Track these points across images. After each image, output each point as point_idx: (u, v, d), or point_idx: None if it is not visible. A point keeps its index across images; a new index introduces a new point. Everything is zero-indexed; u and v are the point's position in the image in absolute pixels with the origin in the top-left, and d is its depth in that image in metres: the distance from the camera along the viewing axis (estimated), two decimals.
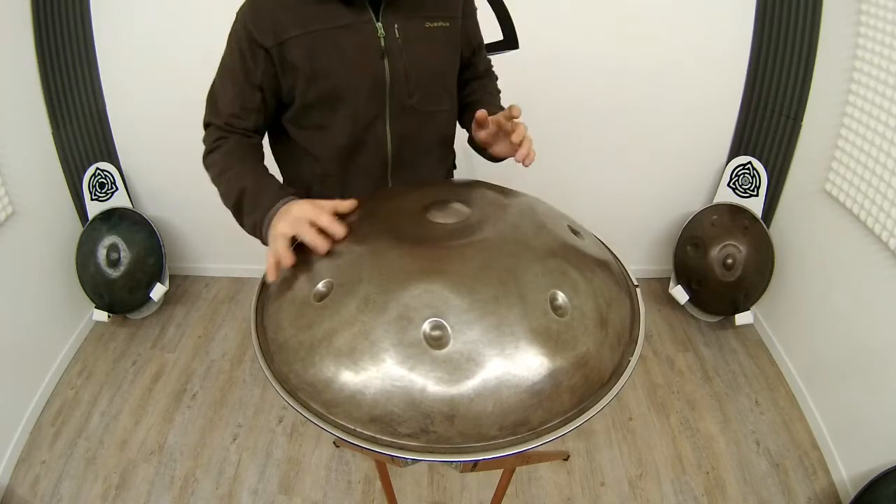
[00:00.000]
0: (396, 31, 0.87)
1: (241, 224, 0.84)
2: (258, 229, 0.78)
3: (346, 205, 0.72)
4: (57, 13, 1.81)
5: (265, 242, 0.76)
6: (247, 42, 0.83)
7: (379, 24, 0.85)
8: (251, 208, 0.80)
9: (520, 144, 0.81)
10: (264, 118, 0.91)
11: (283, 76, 0.86)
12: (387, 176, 0.97)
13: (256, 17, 0.83)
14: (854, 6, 1.53)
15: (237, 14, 0.85)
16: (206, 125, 0.92)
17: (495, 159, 0.94)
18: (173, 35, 1.83)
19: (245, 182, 0.82)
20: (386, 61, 0.87)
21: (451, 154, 1.10)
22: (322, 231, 0.66)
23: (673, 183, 2.11)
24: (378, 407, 0.50)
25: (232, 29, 0.86)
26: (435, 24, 0.90)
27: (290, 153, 0.99)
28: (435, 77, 0.94)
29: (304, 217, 0.68)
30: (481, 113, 0.86)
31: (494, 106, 1.01)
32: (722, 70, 1.86)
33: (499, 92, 1.10)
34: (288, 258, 0.67)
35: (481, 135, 0.90)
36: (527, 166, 0.81)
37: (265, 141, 0.98)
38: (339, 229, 0.66)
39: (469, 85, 1.07)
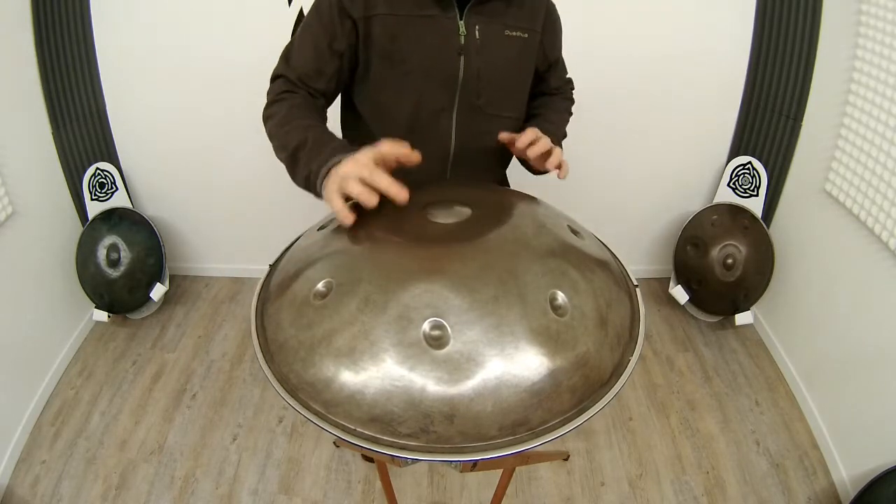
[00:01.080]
0: (477, 32, 0.89)
1: (294, 175, 0.80)
2: (311, 182, 0.75)
3: (413, 155, 0.70)
4: (57, 13, 1.81)
5: (319, 194, 0.74)
6: (337, 9, 0.84)
7: (461, 23, 0.88)
8: (308, 159, 0.76)
9: (558, 166, 0.87)
10: (336, 86, 0.92)
11: (362, 50, 0.88)
12: (446, 169, 0.99)
13: None
14: (854, 6, 1.53)
15: None
16: (276, 77, 0.91)
17: (535, 172, 0.96)
18: (173, 35, 1.83)
19: (307, 134, 0.79)
20: (462, 59, 0.89)
21: (510, 159, 1.11)
22: (369, 185, 0.65)
23: (673, 183, 2.11)
24: (378, 407, 0.50)
25: None
26: (514, 34, 0.92)
27: (355, 128, 1.00)
28: (505, 83, 0.96)
29: (350, 174, 0.67)
30: (504, 136, 0.91)
31: (550, 123, 1.02)
32: (722, 70, 1.86)
33: (566, 111, 1.11)
34: (347, 217, 0.65)
35: (518, 147, 0.91)
36: (561, 178, 0.87)
37: (331, 112, 0.98)
38: (383, 181, 0.64)
39: (538, 98, 1.08)
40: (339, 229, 0.70)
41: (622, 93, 1.91)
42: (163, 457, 1.65)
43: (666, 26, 1.79)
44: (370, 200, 0.64)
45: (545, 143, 0.85)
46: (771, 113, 1.88)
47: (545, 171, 0.92)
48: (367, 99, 0.94)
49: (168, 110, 1.96)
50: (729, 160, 2.01)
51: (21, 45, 1.81)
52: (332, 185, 0.68)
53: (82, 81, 1.92)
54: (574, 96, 1.17)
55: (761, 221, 1.93)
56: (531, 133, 0.86)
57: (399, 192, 0.65)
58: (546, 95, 1.10)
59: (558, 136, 1.00)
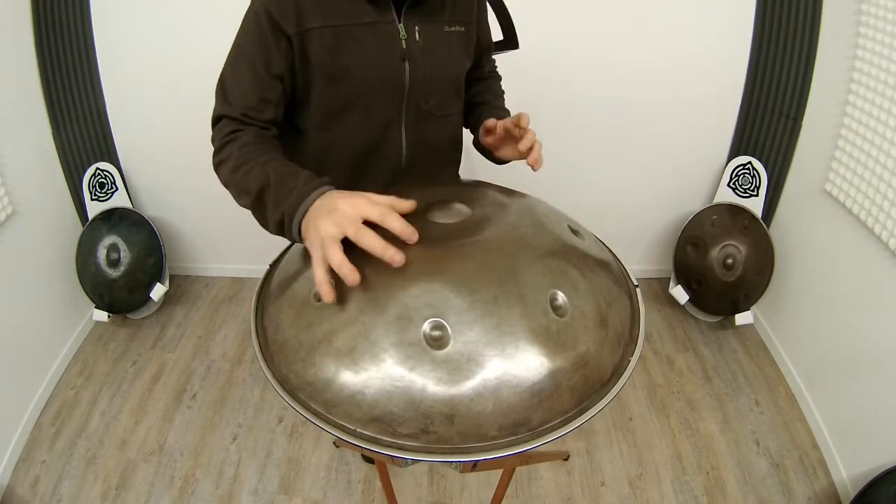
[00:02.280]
0: (417, 33, 0.85)
1: (264, 222, 0.70)
2: (288, 224, 0.64)
3: (406, 205, 0.60)
4: (57, 13, 1.81)
5: (295, 240, 0.64)
6: (269, 27, 0.77)
7: (401, 26, 0.84)
8: (278, 199, 0.65)
9: (528, 150, 0.81)
10: (282, 111, 0.84)
11: (300, 70, 0.81)
12: (398, 177, 0.96)
13: (279, 3, 0.77)
14: (854, 6, 1.53)
15: (253, 2, 0.80)
16: (218, 119, 0.82)
17: (500, 162, 0.94)
18: (173, 35, 1.83)
19: (268, 171, 0.69)
20: (407, 64, 0.85)
21: (460, 155, 1.09)
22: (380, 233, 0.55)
23: (673, 183, 2.11)
24: (378, 407, 0.50)
25: (249, 14, 0.80)
26: (453, 29, 0.89)
27: (297, 154, 0.91)
28: (450, 82, 0.93)
29: (357, 214, 0.56)
30: (490, 122, 0.87)
31: (500, 108, 1.01)
32: (722, 70, 1.86)
33: (503, 93, 1.10)
34: (352, 273, 0.53)
35: (488, 139, 0.90)
36: (535, 171, 0.82)
37: None
38: (411, 232, 0.56)
39: (474, 85, 1.06)
40: None
41: (622, 93, 1.91)
42: (163, 457, 1.65)
43: (666, 26, 1.79)
44: (396, 259, 0.53)
45: (531, 135, 0.82)
46: (771, 113, 1.88)
47: (508, 162, 0.91)
48: (311, 119, 0.88)
49: (168, 110, 1.96)
50: (729, 160, 2.01)
51: (21, 46, 1.81)
52: (327, 227, 0.56)
53: (82, 81, 1.92)
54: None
55: (761, 221, 1.93)
56: (532, 134, 0.82)
57: (411, 236, 0.56)
58: (482, 80, 1.07)
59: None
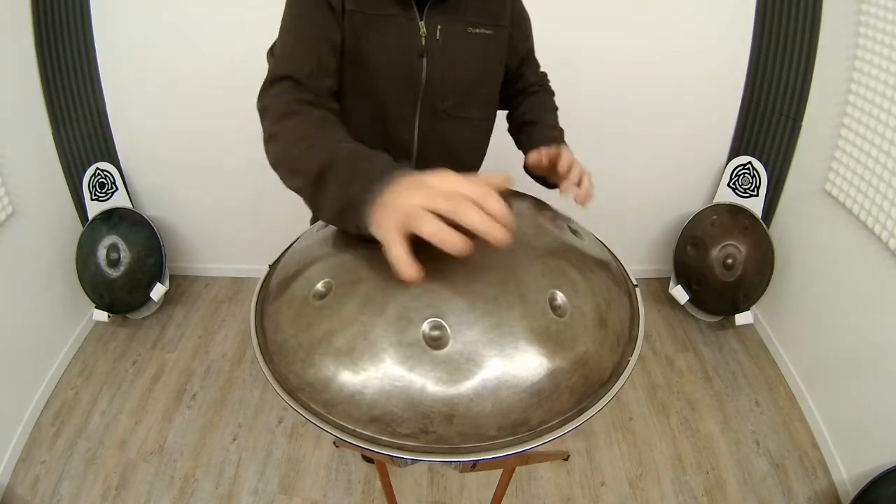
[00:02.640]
0: (438, 32, 0.85)
1: (319, 206, 0.61)
2: (348, 213, 0.55)
3: (500, 179, 0.52)
4: (57, 13, 1.81)
5: (357, 225, 0.54)
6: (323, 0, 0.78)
7: (422, 23, 0.84)
8: (347, 180, 0.57)
9: (577, 184, 0.78)
10: (337, 83, 0.82)
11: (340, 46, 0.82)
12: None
13: None
14: (854, 6, 1.53)
15: None
16: (276, 79, 0.75)
17: (554, 186, 0.89)
18: (173, 35, 1.83)
19: (336, 150, 0.61)
20: (424, 61, 0.86)
21: (480, 163, 1.07)
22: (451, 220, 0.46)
23: (673, 183, 2.11)
24: (377, 407, 0.50)
25: None
26: (478, 31, 0.88)
27: None
28: (471, 84, 0.92)
29: (450, 189, 0.48)
30: (533, 158, 0.83)
31: (550, 128, 0.97)
32: (722, 70, 1.86)
33: (556, 108, 1.05)
34: (410, 268, 0.47)
35: (538, 170, 0.86)
36: (584, 207, 0.76)
37: None
38: (509, 218, 0.47)
39: (523, 101, 1.03)
40: (340, 229, 0.69)
41: (622, 93, 1.91)
42: (163, 457, 1.65)
43: (666, 26, 1.79)
44: (454, 244, 0.46)
45: (587, 180, 0.78)
46: (771, 113, 1.88)
47: (557, 187, 0.85)
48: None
49: (168, 110, 1.96)
50: (729, 160, 2.01)
51: (21, 45, 1.81)
52: (388, 219, 0.49)
53: (82, 81, 1.92)
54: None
55: (761, 221, 1.93)
56: (578, 170, 0.79)
57: (505, 232, 0.47)
58: (530, 94, 1.04)
59: (562, 139, 0.96)
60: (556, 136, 0.91)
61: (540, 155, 0.83)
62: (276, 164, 0.69)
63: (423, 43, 0.85)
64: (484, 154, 1.06)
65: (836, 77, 1.64)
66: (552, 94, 1.08)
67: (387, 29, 0.83)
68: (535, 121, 0.99)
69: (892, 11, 1.39)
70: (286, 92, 0.74)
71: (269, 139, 0.70)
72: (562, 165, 0.80)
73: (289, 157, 0.66)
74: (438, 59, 0.86)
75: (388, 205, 0.51)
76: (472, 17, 0.87)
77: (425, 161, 0.94)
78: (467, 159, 1.02)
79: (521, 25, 0.97)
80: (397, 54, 0.84)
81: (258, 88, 0.80)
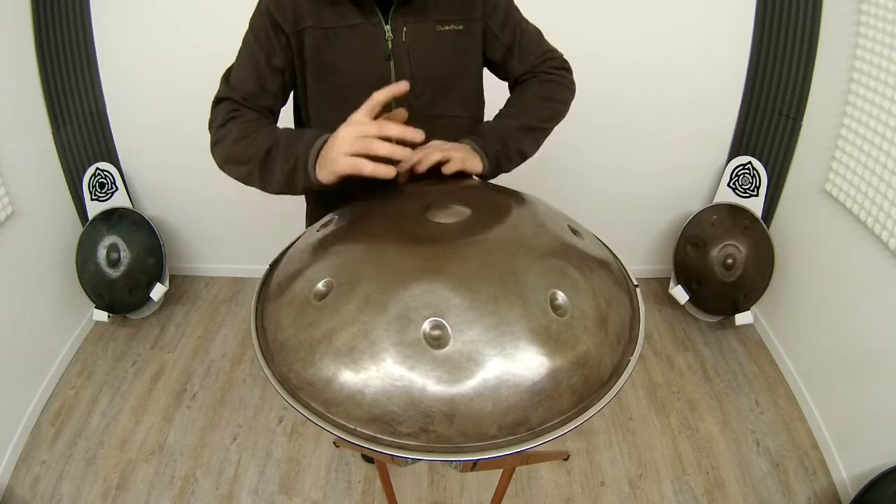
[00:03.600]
0: (404, 34, 0.86)
1: (268, 177, 0.78)
2: (297, 171, 0.73)
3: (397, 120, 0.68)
4: (57, 13, 1.81)
5: (308, 181, 0.72)
6: (270, 25, 0.84)
7: (387, 27, 0.85)
8: (287, 152, 0.74)
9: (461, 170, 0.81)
10: (281, 104, 0.91)
11: (298, 66, 0.88)
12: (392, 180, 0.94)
13: (279, 4, 0.84)
14: (854, 6, 1.53)
15: (259, 1, 0.87)
16: (218, 101, 0.88)
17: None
18: (173, 35, 1.83)
19: (276, 134, 0.77)
20: (391, 63, 0.87)
21: None
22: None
23: (673, 183, 2.11)
24: (378, 406, 0.50)
25: (254, 15, 0.87)
26: (446, 28, 0.89)
27: None
28: (445, 82, 0.92)
29: (363, 133, 0.65)
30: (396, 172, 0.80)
31: (504, 116, 0.93)
32: (722, 70, 1.86)
33: (541, 96, 0.96)
34: (385, 168, 0.64)
35: (401, 173, 0.83)
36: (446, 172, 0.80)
37: None
38: (394, 129, 0.64)
39: (515, 88, 1.00)
40: (340, 229, 0.70)
41: (622, 93, 1.91)
42: (163, 457, 1.65)
43: (666, 26, 1.79)
44: (396, 153, 0.62)
45: (429, 158, 0.78)
46: (771, 113, 1.88)
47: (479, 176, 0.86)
48: (309, 117, 0.93)
49: (168, 110, 1.96)
50: (729, 160, 2.01)
51: (21, 45, 1.81)
52: (340, 157, 0.66)
53: (82, 81, 1.92)
54: (565, 73, 1.04)
55: (761, 221, 1.93)
56: (417, 154, 0.79)
57: (415, 134, 0.64)
58: (522, 83, 0.99)
59: (507, 127, 0.90)
60: (490, 126, 0.89)
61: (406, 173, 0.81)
62: (224, 163, 0.83)
63: (390, 46, 0.86)
64: None
65: (836, 77, 1.64)
66: (547, 80, 0.99)
67: (351, 39, 0.85)
68: (502, 110, 0.95)
69: (892, 11, 1.39)
70: (224, 108, 0.85)
71: (215, 144, 0.84)
72: (419, 164, 0.80)
73: (234, 152, 0.80)
74: (406, 59, 0.87)
75: (326, 156, 0.68)
76: (439, 14, 0.88)
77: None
78: None
79: (496, 14, 0.93)
80: (363, 61, 0.86)
81: None
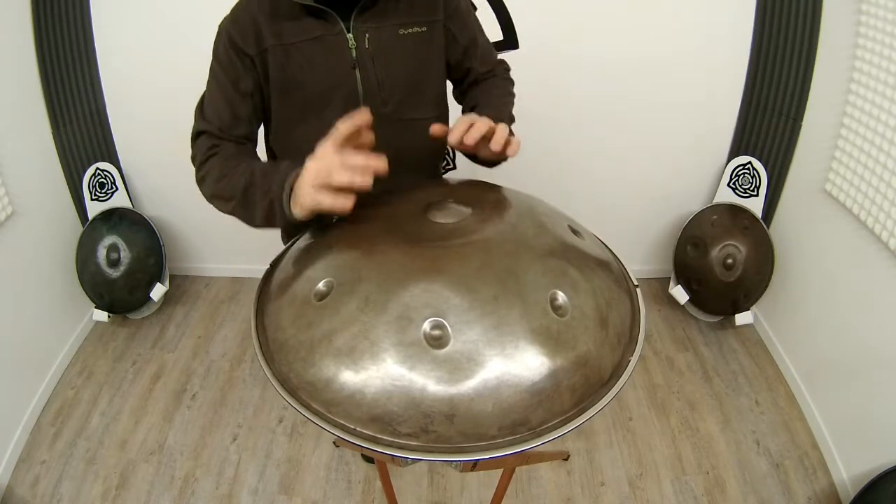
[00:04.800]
0: (367, 40, 0.86)
1: (251, 217, 0.78)
2: (274, 207, 0.72)
3: (358, 118, 0.66)
4: (57, 13, 1.81)
5: (286, 217, 0.71)
6: (233, 51, 0.84)
7: (350, 35, 0.85)
8: (264, 190, 0.74)
9: (504, 147, 0.75)
10: (255, 127, 0.91)
11: (265, 87, 0.87)
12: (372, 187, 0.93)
13: (239, 28, 0.84)
14: (854, 6, 1.53)
15: (219, 29, 0.86)
16: (197, 135, 0.88)
17: (489, 163, 0.88)
18: (173, 35, 1.83)
19: (251, 169, 0.77)
20: (357, 71, 0.87)
21: (442, 161, 1.05)
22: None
23: (673, 183, 2.11)
24: (378, 406, 0.50)
25: (216, 44, 0.87)
26: (409, 31, 0.89)
27: None
28: (411, 85, 0.92)
29: (325, 165, 0.64)
30: (435, 128, 0.80)
31: (490, 108, 0.93)
32: (722, 70, 1.86)
33: (506, 93, 1.00)
34: (345, 201, 0.63)
35: (461, 147, 0.81)
36: (510, 155, 0.76)
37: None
38: (358, 160, 0.63)
39: (471, 91, 1.02)
40: (340, 229, 0.70)
41: (622, 93, 1.91)
42: (163, 457, 1.65)
43: (666, 26, 1.79)
44: (361, 180, 0.62)
45: (481, 125, 0.74)
46: (771, 113, 1.88)
47: (498, 160, 0.83)
48: (278, 137, 0.93)
49: (168, 111, 1.95)
50: (729, 160, 2.01)
51: (21, 45, 1.81)
52: (306, 190, 0.65)
53: (82, 81, 1.92)
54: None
55: (761, 221, 1.93)
56: (464, 122, 0.76)
57: (379, 164, 0.64)
58: (479, 83, 1.02)
59: (502, 119, 0.90)
60: (486, 115, 0.85)
61: (438, 131, 0.79)
62: (210, 199, 0.85)
63: (354, 54, 0.86)
64: (443, 153, 1.04)
65: (836, 77, 1.64)
66: (505, 79, 1.04)
67: (315, 51, 0.85)
68: (475, 106, 0.95)
69: (892, 11, 1.39)
70: (203, 143, 0.86)
71: (200, 181, 0.86)
72: (467, 135, 0.74)
73: (217, 190, 0.82)
74: (370, 66, 0.87)
75: (296, 191, 0.68)
76: (400, 18, 0.88)
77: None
78: (426, 160, 1.01)
79: (456, 16, 0.94)
80: (329, 72, 0.86)
81: None
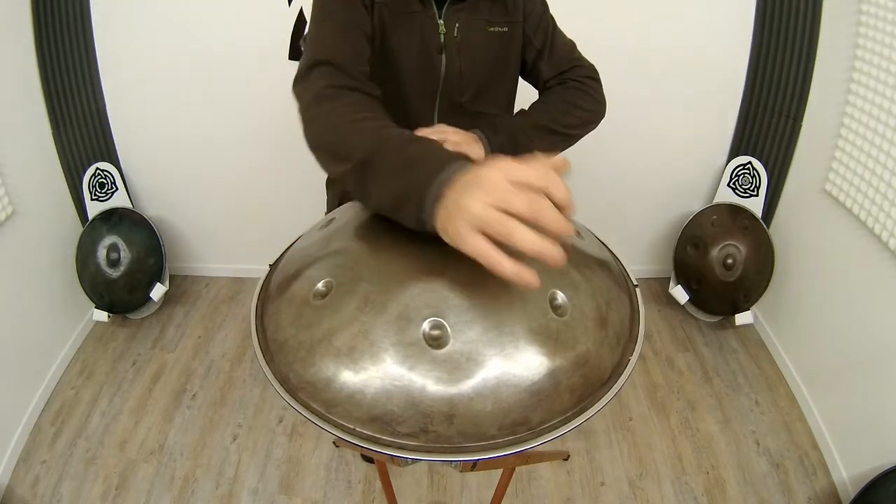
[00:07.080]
0: (456, 30, 0.88)
1: (366, 194, 0.59)
2: (412, 200, 0.51)
3: (558, 162, 0.48)
4: (57, 13, 1.81)
5: (418, 220, 0.51)
6: None
7: (441, 21, 0.87)
8: (401, 171, 0.53)
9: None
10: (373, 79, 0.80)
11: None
12: None
13: None
14: (854, 6, 1.53)
15: None
16: (314, 65, 0.73)
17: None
18: (173, 35, 1.83)
19: (383, 137, 0.58)
20: (443, 57, 0.89)
21: None
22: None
23: (673, 183, 2.11)
24: (378, 406, 0.50)
25: None
26: (495, 29, 0.91)
27: None
28: (488, 80, 0.94)
29: (506, 204, 0.43)
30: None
31: (519, 114, 0.92)
32: (722, 70, 1.86)
33: (557, 100, 0.95)
34: (509, 266, 0.43)
35: None
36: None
37: None
38: (551, 218, 0.44)
39: (540, 95, 1.00)
40: (340, 229, 0.69)
41: (622, 93, 1.89)
42: (163, 457, 1.65)
43: (666, 26, 1.79)
44: (551, 256, 0.42)
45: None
46: (771, 113, 1.88)
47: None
48: None
49: (168, 111, 1.96)
50: (729, 160, 2.01)
51: (21, 46, 1.81)
52: (461, 222, 0.45)
53: (82, 81, 1.92)
54: (592, 82, 1.04)
55: (761, 221, 1.93)
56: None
57: (568, 228, 0.45)
58: (549, 88, 1.00)
59: (519, 123, 0.90)
60: (499, 123, 0.87)
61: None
62: (315, 149, 0.67)
63: (442, 40, 0.88)
64: None
65: (836, 77, 1.64)
66: (571, 87, 0.98)
67: (410, 25, 0.86)
68: (521, 110, 0.96)
69: (892, 11, 1.39)
70: (324, 76, 0.72)
71: (307, 124, 0.70)
72: None
73: (328, 142, 0.65)
74: (456, 55, 0.89)
75: (453, 206, 0.46)
76: (489, 15, 0.90)
77: None
78: None
79: (534, 18, 0.97)
80: (418, 50, 0.87)
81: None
